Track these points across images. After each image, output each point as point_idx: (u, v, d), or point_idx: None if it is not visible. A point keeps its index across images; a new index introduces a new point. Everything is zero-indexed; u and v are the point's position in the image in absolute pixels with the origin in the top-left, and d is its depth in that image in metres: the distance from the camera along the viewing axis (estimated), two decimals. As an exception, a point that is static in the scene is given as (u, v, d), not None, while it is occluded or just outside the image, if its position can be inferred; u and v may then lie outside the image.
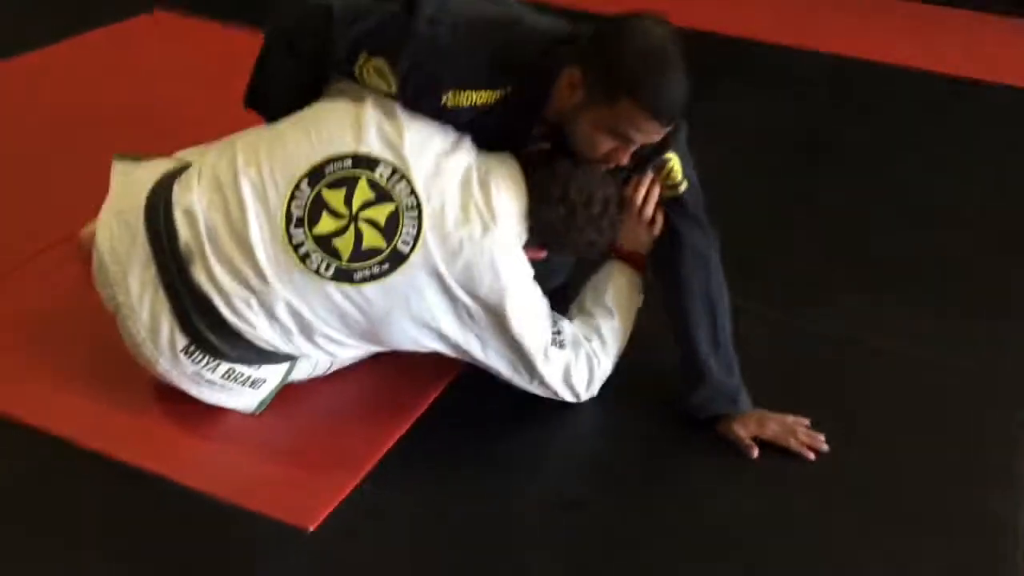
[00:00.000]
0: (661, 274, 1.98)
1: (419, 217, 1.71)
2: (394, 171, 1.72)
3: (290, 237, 1.71)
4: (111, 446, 1.78)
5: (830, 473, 1.86)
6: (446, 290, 1.74)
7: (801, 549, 1.72)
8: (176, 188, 1.77)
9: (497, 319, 1.78)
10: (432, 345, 1.82)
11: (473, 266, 1.73)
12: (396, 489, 1.76)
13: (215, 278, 1.71)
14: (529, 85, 1.77)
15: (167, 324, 1.74)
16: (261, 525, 1.66)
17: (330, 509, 1.70)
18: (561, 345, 1.88)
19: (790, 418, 1.93)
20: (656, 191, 1.92)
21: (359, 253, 1.71)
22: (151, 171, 1.84)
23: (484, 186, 1.76)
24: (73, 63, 3.28)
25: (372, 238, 1.71)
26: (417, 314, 1.76)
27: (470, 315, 1.77)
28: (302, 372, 1.91)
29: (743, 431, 1.89)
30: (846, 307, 2.33)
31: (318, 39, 1.77)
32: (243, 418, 1.85)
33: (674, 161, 1.90)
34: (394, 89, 1.75)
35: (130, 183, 1.83)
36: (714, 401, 1.92)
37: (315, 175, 1.72)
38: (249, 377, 1.82)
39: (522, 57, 1.77)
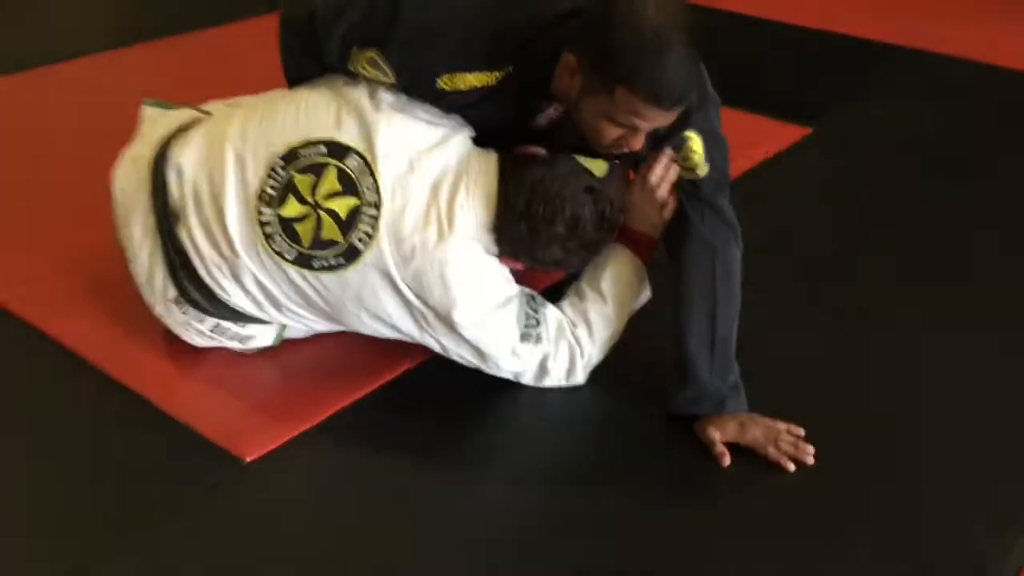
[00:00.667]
0: (669, 260, 1.87)
1: (378, 216, 1.69)
2: (364, 163, 1.70)
3: (259, 214, 1.73)
4: (100, 357, 1.92)
5: (806, 488, 1.68)
6: (398, 292, 1.72)
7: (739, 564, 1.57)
8: (176, 143, 1.81)
9: (451, 326, 1.75)
10: (393, 336, 1.82)
11: (423, 275, 1.70)
12: (345, 440, 1.76)
13: (194, 239, 1.77)
14: (529, 66, 1.69)
15: (160, 273, 1.82)
16: (203, 447, 1.72)
17: (273, 446, 1.73)
18: (538, 340, 1.81)
19: (781, 424, 1.76)
20: (673, 172, 1.81)
21: (318, 242, 1.71)
22: (173, 121, 1.89)
23: (453, 191, 1.71)
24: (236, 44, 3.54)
25: (330, 230, 1.71)
26: (372, 310, 1.75)
27: (424, 318, 1.75)
28: (298, 332, 1.94)
29: (718, 434, 1.74)
30: (919, 332, 2.10)
31: (308, 44, 1.76)
32: (229, 351, 1.93)
33: (695, 141, 1.77)
34: (392, 79, 1.71)
35: (152, 130, 1.89)
36: (699, 402, 1.78)
37: (290, 157, 1.72)
38: (237, 333, 1.88)
39: (521, 36, 1.68)
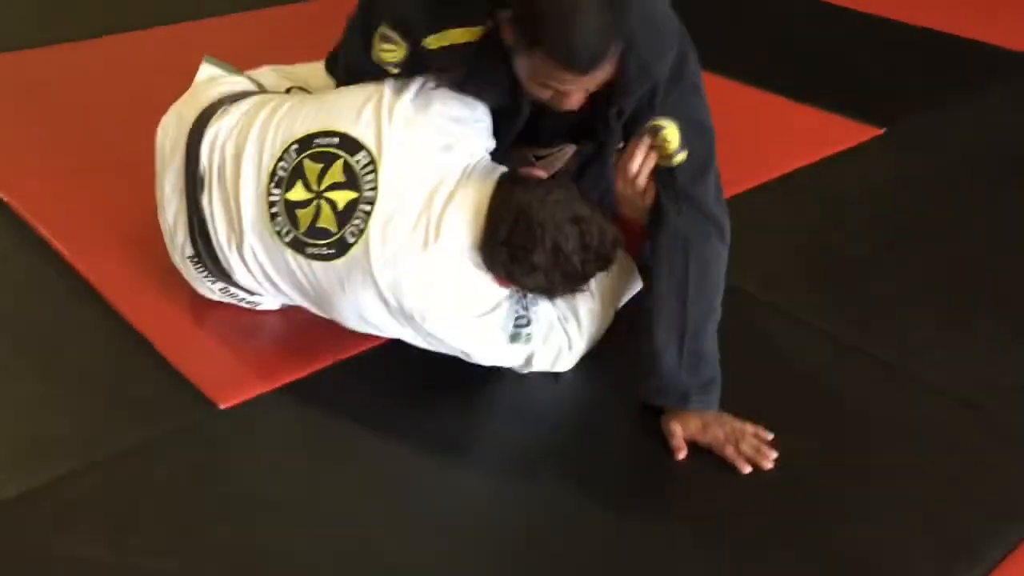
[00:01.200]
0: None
1: (371, 212, 1.70)
2: (370, 161, 1.72)
3: (270, 194, 1.78)
4: (113, 293, 2.04)
5: (756, 491, 1.65)
6: (379, 293, 1.73)
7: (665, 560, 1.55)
8: (218, 112, 1.87)
9: (428, 332, 1.77)
10: (376, 334, 1.84)
11: (402, 280, 1.70)
12: (321, 401, 1.80)
13: (213, 210, 1.83)
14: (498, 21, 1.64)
15: (182, 231, 1.90)
16: (181, 387, 1.81)
17: (248, 397, 1.80)
18: (527, 339, 1.81)
19: (749, 427, 1.73)
20: (652, 159, 1.77)
21: (314, 229, 1.74)
22: (224, 87, 1.96)
23: (447, 203, 1.70)
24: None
25: (327, 219, 1.73)
26: (353, 304, 1.77)
27: (403, 320, 1.76)
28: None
29: (679, 428, 1.72)
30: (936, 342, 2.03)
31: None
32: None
33: (669, 129, 1.73)
34: (404, 47, 1.70)
35: (203, 93, 1.95)
36: (663, 394, 1.77)
37: (304, 143, 1.76)
38: (245, 297, 1.95)
39: None
